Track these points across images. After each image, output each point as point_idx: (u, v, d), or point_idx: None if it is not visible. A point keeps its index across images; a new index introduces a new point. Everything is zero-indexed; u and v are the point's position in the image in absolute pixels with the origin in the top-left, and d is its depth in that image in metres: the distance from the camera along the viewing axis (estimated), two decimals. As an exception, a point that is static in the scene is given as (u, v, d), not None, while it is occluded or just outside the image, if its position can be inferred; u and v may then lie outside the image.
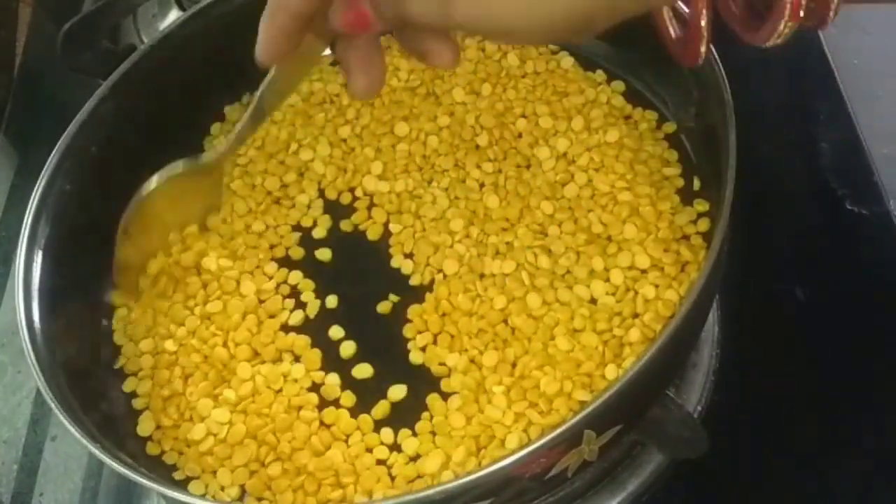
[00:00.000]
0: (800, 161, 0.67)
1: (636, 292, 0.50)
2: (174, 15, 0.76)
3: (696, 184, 0.54)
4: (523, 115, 0.59)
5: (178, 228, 0.56)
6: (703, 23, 0.41)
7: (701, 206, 0.52)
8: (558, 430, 0.39)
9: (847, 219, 0.64)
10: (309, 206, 0.58)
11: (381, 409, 0.49)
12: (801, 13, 0.35)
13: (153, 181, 0.51)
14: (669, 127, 0.57)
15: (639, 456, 0.55)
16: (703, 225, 0.52)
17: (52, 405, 0.44)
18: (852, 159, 0.66)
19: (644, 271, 0.51)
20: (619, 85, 0.59)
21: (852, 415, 0.56)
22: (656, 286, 0.49)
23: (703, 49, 0.42)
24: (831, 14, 0.35)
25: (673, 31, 0.44)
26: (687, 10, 0.42)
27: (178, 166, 0.52)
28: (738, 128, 0.46)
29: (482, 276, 0.52)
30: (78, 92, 0.61)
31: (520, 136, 0.58)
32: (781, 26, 0.36)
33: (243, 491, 0.47)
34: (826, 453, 0.55)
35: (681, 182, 0.54)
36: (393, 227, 0.56)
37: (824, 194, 0.65)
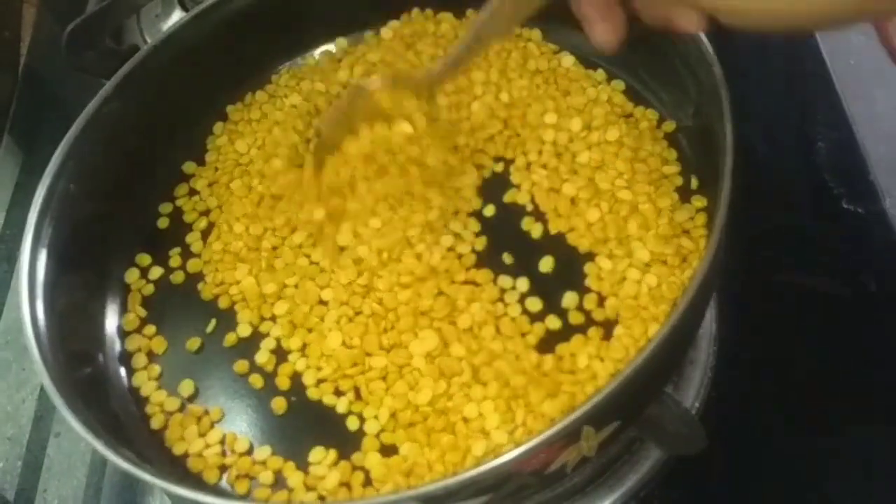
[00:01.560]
0: (796, 160, 0.68)
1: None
2: (177, 15, 0.77)
3: (694, 182, 0.54)
4: (526, 116, 0.59)
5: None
6: None
7: (699, 201, 0.53)
8: (557, 426, 0.39)
9: (843, 217, 0.64)
10: None
11: None
12: None
13: (370, 81, 0.51)
14: (669, 126, 0.57)
15: (637, 452, 0.55)
16: (701, 219, 0.52)
17: (56, 402, 0.45)
18: (849, 159, 0.66)
19: (647, 265, 0.51)
20: (619, 84, 0.60)
21: (850, 412, 0.56)
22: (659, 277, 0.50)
23: None
24: None
25: None
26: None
27: (388, 77, 0.52)
28: (735, 127, 0.46)
29: None
30: (82, 92, 0.61)
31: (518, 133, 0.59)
32: None
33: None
34: (824, 450, 0.56)
35: (680, 181, 0.54)
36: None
37: (821, 193, 0.65)
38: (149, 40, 0.75)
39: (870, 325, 0.59)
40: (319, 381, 0.51)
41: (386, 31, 0.65)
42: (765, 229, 0.63)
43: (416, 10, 0.65)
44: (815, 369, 0.58)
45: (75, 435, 0.44)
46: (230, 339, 0.54)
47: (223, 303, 0.55)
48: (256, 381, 0.52)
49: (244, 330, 0.54)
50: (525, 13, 0.45)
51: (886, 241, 0.62)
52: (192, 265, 0.57)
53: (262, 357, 0.53)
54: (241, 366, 0.53)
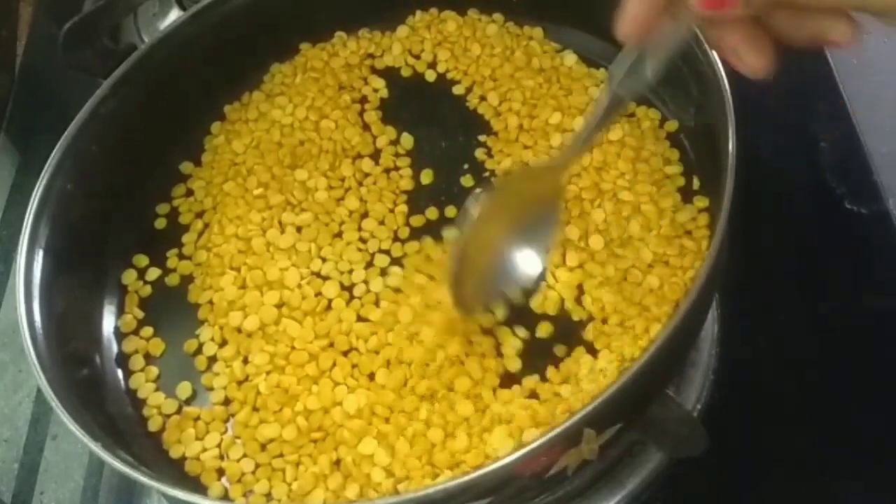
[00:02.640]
0: (799, 160, 0.67)
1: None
2: (175, 14, 0.76)
3: (696, 183, 0.54)
4: (530, 115, 0.59)
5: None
6: None
7: (700, 202, 0.53)
8: (558, 429, 0.39)
9: (846, 218, 0.64)
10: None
11: None
12: None
13: (500, 183, 0.50)
14: (671, 125, 0.57)
15: (638, 454, 0.55)
16: (703, 220, 0.52)
17: (53, 404, 0.45)
18: (851, 158, 0.66)
19: (650, 265, 0.51)
20: None
21: (852, 413, 0.56)
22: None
23: None
24: None
25: None
26: None
27: (521, 170, 0.50)
28: (737, 126, 0.46)
29: None
30: (78, 91, 0.61)
31: (521, 127, 0.59)
32: None
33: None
34: (826, 452, 0.55)
35: (682, 181, 0.54)
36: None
37: (823, 193, 0.65)
38: (146, 39, 0.75)
39: (873, 327, 0.59)
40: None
41: (402, 29, 0.65)
42: (767, 230, 0.62)
43: (419, 12, 0.65)
44: (817, 370, 0.58)
45: (72, 437, 0.43)
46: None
47: (202, 313, 0.55)
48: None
49: (209, 348, 0.54)
50: (667, 59, 0.40)
51: (889, 242, 0.62)
52: (185, 267, 0.57)
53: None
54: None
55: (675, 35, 0.37)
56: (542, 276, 0.51)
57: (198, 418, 0.51)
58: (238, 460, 0.49)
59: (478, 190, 0.50)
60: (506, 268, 0.49)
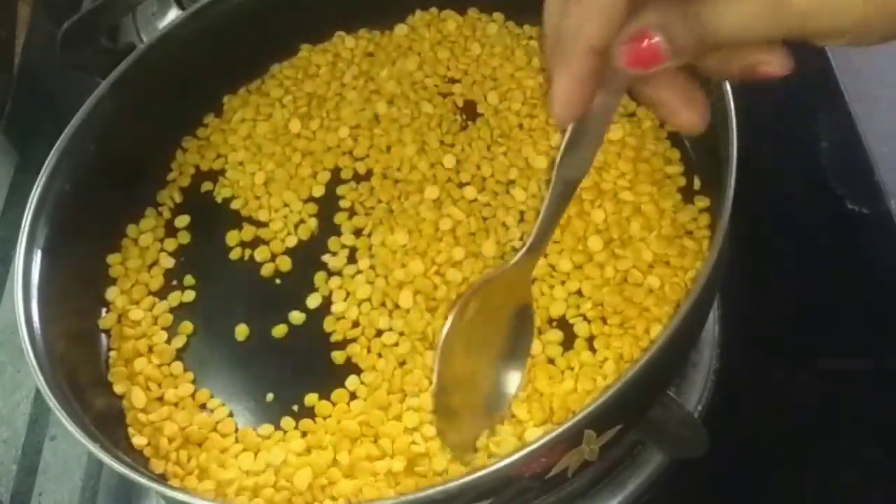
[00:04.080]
0: (800, 160, 0.67)
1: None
2: (173, 14, 0.76)
3: (697, 183, 0.54)
4: (530, 115, 0.59)
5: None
6: None
7: (701, 202, 0.52)
8: (559, 430, 0.39)
9: (847, 217, 0.64)
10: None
11: None
12: None
13: (461, 302, 0.46)
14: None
15: (639, 455, 0.55)
16: (704, 220, 0.52)
17: (52, 404, 0.44)
18: (852, 158, 0.66)
19: (650, 266, 0.51)
20: None
21: (853, 414, 0.56)
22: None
23: None
24: None
25: None
26: None
27: (485, 277, 0.47)
28: (738, 126, 0.46)
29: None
30: (77, 90, 0.61)
31: (520, 126, 0.59)
32: None
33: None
34: (827, 453, 0.55)
35: (682, 181, 0.54)
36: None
37: (824, 193, 0.65)
38: (145, 39, 0.75)
39: (874, 326, 0.59)
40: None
41: (400, 28, 0.65)
42: (768, 230, 0.62)
43: (419, 12, 0.65)
44: (817, 372, 0.58)
45: (71, 438, 0.43)
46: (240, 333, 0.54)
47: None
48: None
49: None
50: (603, 134, 0.40)
51: (890, 242, 0.62)
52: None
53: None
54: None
55: (609, 103, 0.36)
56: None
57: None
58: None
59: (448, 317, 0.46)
60: (491, 394, 0.47)
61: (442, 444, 0.46)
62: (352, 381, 0.50)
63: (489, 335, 0.47)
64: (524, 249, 0.45)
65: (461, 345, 0.46)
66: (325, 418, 0.49)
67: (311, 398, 0.50)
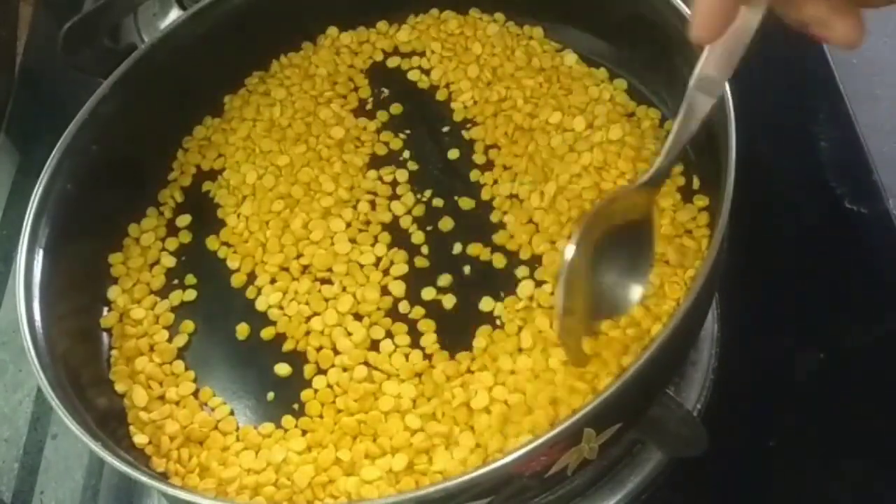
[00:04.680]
0: (799, 159, 0.67)
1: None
2: (175, 14, 0.76)
3: (696, 182, 0.54)
4: (531, 115, 0.59)
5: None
6: None
7: (700, 201, 0.52)
8: (558, 428, 0.39)
9: (846, 217, 0.64)
10: None
11: None
12: None
13: (591, 215, 0.44)
14: (672, 125, 0.56)
15: (639, 454, 0.55)
16: (703, 219, 0.52)
17: (53, 403, 0.45)
18: (851, 158, 0.66)
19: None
20: (621, 82, 0.60)
21: (853, 412, 0.56)
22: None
23: None
24: None
25: None
26: None
27: (609, 197, 0.46)
28: (737, 126, 0.46)
29: None
30: (79, 91, 0.61)
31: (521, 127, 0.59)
32: None
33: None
34: (825, 452, 0.55)
35: (682, 180, 0.54)
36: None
37: (823, 193, 0.65)
38: (146, 39, 0.75)
39: (873, 326, 0.59)
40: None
41: (403, 29, 0.65)
42: (767, 229, 0.62)
43: (420, 12, 0.65)
44: (816, 370, 0.58)
45: (72, 436, 0.43)
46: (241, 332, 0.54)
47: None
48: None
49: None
50: (742, 54, 0.38)
51: (889, 241, 0.62)
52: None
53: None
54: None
55: (751, 23, 0.36)
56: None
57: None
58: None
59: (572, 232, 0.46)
60: (606, 295, 0.46)
61: (568, 357, 0.47)
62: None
63: (612, 253, 0.46)
64: (652, 170, 0.45)
65: (586, 264, 0.45)
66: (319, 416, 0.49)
67: (306, 394, 0.50)
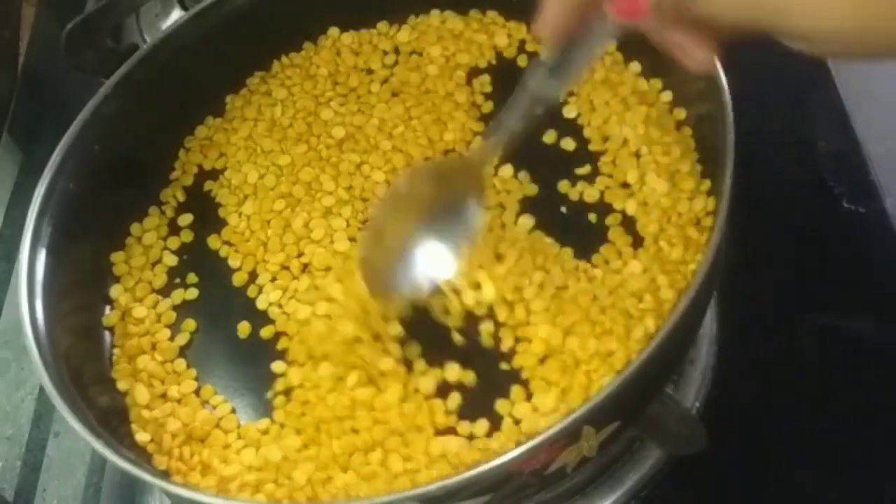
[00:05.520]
0: (797, 159, 0.68)
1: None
2: (177, 14, 0.77)
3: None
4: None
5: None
6: None
7: (703, 185, 0.52)
8: (558, 426, 0.39)
9: (844, 216, 0.64)
10: None
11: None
12: None
13: (416, 170, 0.48)
14: (680, 114, 0.56)
15: (638, 452, 0.55)
16: (703, 203, 0.51)
17: (55, 401, 0.45)
18: (849, 157, 0.66)
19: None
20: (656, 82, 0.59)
21: (851, 411, 0.56)
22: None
23: None
24: None
25: None
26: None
27: (436, 162, 0.49)
28: (736, 126, 0.46)
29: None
30: (81, 91, 0.61)
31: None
32: None
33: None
34: (824, 449, 0.56)
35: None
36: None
37: (821, 192, 0.65)
38: (148, 39, 0.75)
39: (872, 325, 0.59)
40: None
41: (404, 29, 0.65)
42: (765, 228, 0.63)
43: (420, 13, 0.65)
44: (815, 369, 0.58)
45: (74, 434, 0.44)
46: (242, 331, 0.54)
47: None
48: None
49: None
50: (588, 60, 0.41)
51: (887, 240, 0.62)
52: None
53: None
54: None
55: (593, 41, 0.39)
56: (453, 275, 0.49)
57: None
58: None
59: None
60: (419, 258, 0.48)
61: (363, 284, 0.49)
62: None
63: (432, 211, 0.48)
64: (484, 145, 0.47)
65: (401, 208, 0.48)
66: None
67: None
